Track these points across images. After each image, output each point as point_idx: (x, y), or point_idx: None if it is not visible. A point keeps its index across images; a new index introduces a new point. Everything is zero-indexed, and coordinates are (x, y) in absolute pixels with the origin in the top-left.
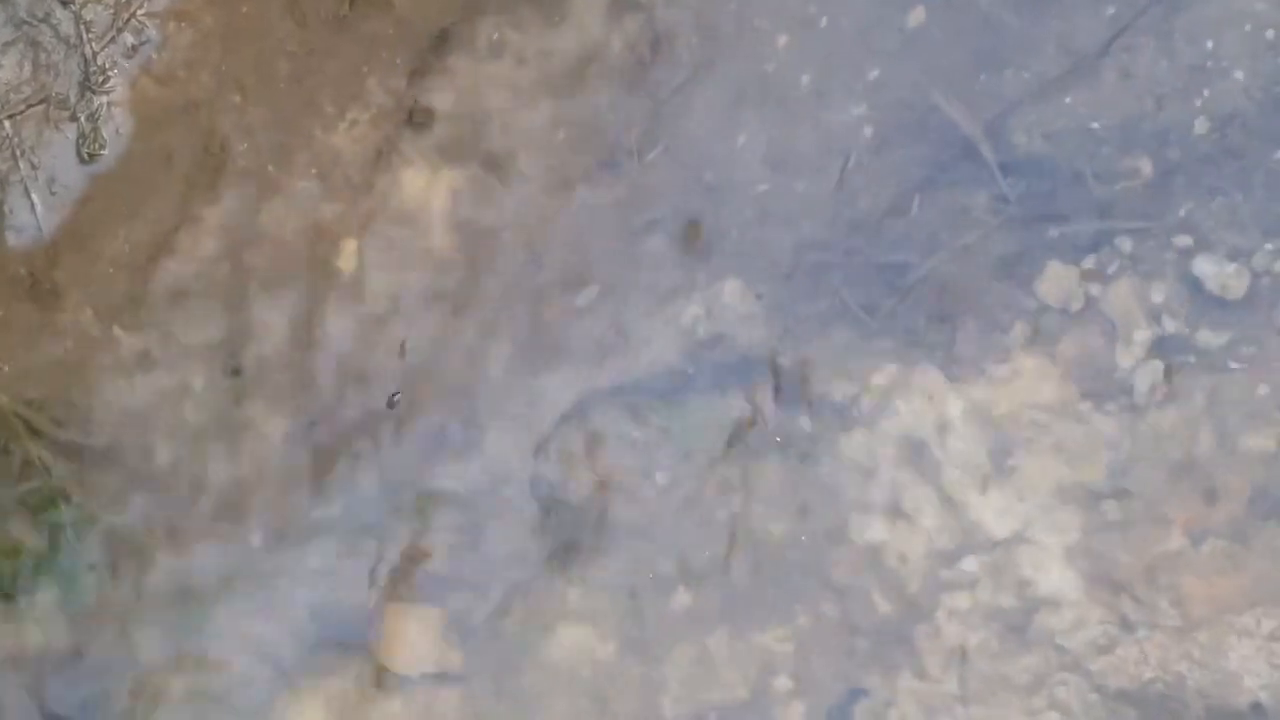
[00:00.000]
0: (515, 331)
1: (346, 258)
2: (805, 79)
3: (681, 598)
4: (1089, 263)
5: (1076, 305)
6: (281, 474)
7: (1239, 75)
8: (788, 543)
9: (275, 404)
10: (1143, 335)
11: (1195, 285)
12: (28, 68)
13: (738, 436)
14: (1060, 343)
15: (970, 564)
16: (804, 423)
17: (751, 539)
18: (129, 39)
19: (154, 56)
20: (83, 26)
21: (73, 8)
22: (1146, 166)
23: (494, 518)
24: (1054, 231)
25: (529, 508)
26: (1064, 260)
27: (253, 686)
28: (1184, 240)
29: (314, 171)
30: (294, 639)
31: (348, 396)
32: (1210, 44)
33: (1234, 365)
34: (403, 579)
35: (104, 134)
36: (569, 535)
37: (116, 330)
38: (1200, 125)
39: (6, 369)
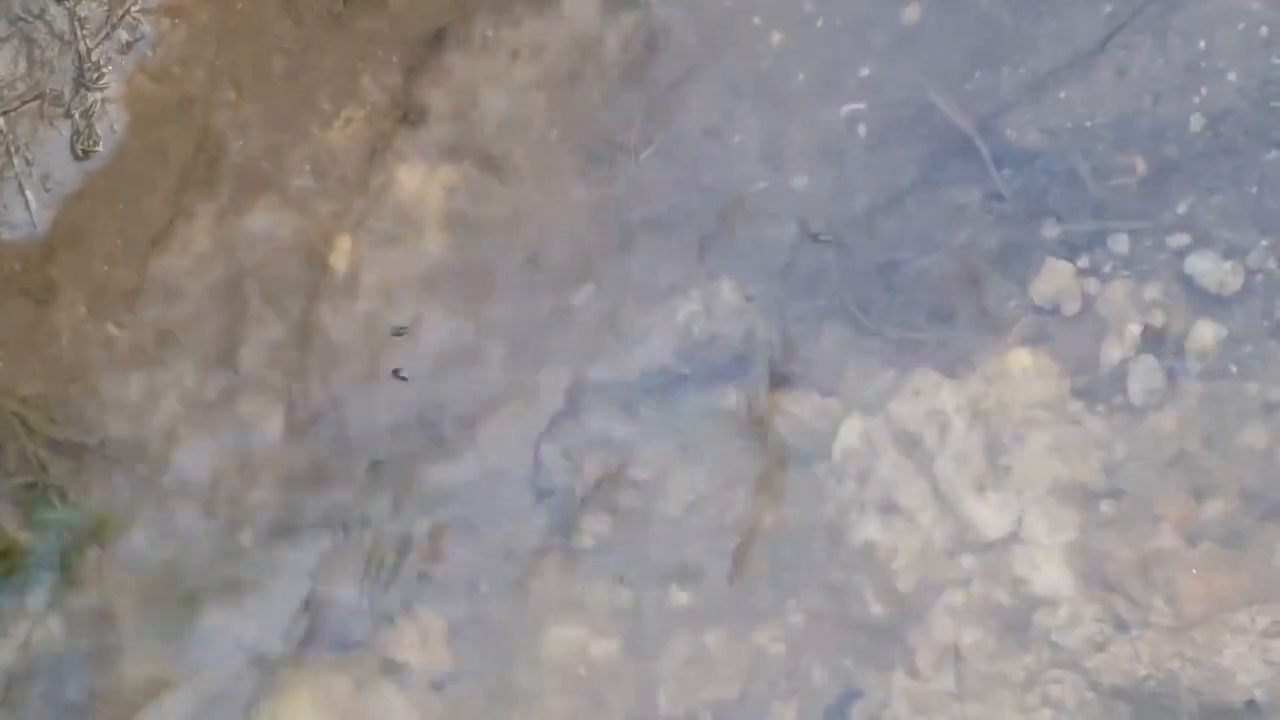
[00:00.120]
0: (511, 329)
1: (341, 255)
2: (801, 76)
3: (677, 596)
4: (1084, 260)
5: (1072, 303)
6: (276, 471)
7: (1233, 74)
8: (782, 541)
9: (270, 400)
10: (1137, 333)
11: (1190, 283)
12: (22, 64)
13: (732, 433)
14: (1055, 340)
15: (965, 562)
16: (798, 419)
17: (747, 537)
18: (123, 35)
19: (149, 53)
20: (77, 23)
21: (67, 4)
22: (1142, 164)
23: (490, 515)
24: (1049, 229)
25: (525, 505)
26: (1059, 258)
27: (245, 684)
28: (1179, 238)
29: (309, 168)
30: (287, 636)
31: (343, 393)
32: (1205, 42)
33: (1228, 363)
34: (399, 576)
35: (98, 130)
36: (565, 532)
37: (111, 327)
38: (1195, 123)
39: (1, 365)
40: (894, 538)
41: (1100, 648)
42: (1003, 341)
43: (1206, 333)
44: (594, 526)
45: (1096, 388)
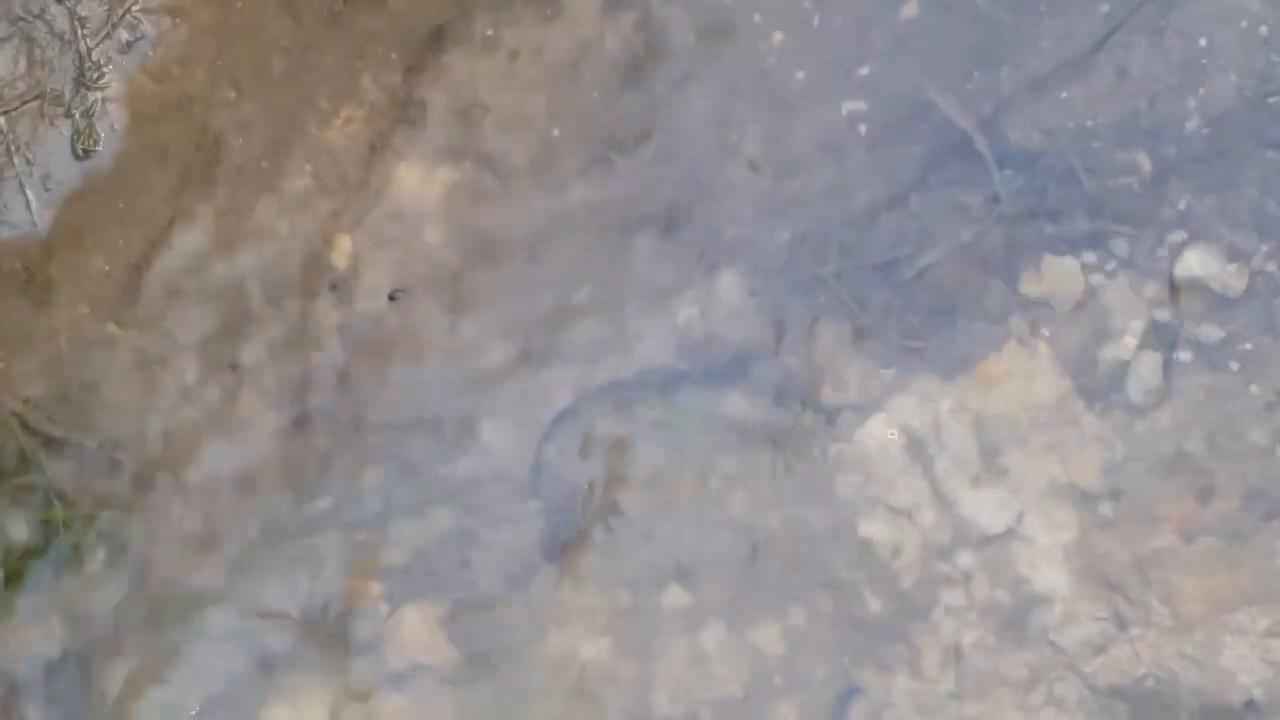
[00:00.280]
0: (510, 328)
1: (340, 254)
2: (800, 75)
3: (677, 595)
4: (1084, 259)
5: (1072, 302)
6: (278, 470)
7: (1232, 73)
8: (782, 540)
9: (271, 400)
10: (1137, 332)
11: (1190, 283)
12: (23, 63)
13: (732, 433)
14: (1055, 339)
15: (965, 561)
16: (798, 419)
17: (746, 536)
18: (124, 35)
19: (149, 52)
20: (78, 22)
21: (68, 4)
22: (1142, 163)
23: (490, 514)
24: (1049, 229)
25: (525, 504)
26: (1059, 257)
27: (248, 685)
28: (1179, 238)
29: (308, 168)
30: (289, 635)
31: (344, 392)
32: (1204, 41)
33: (1229, 363)
34: (400, 576)
35: (99, 130)
36: (565, 532)
37: (111, 326)
38: (1193, 123)
39: (1, 365)
40: (894, 537)
41: (1100, 648)
42: (1003, 340)
43: (1206, 332)
44: (593, 525)
45: (1096, 387)
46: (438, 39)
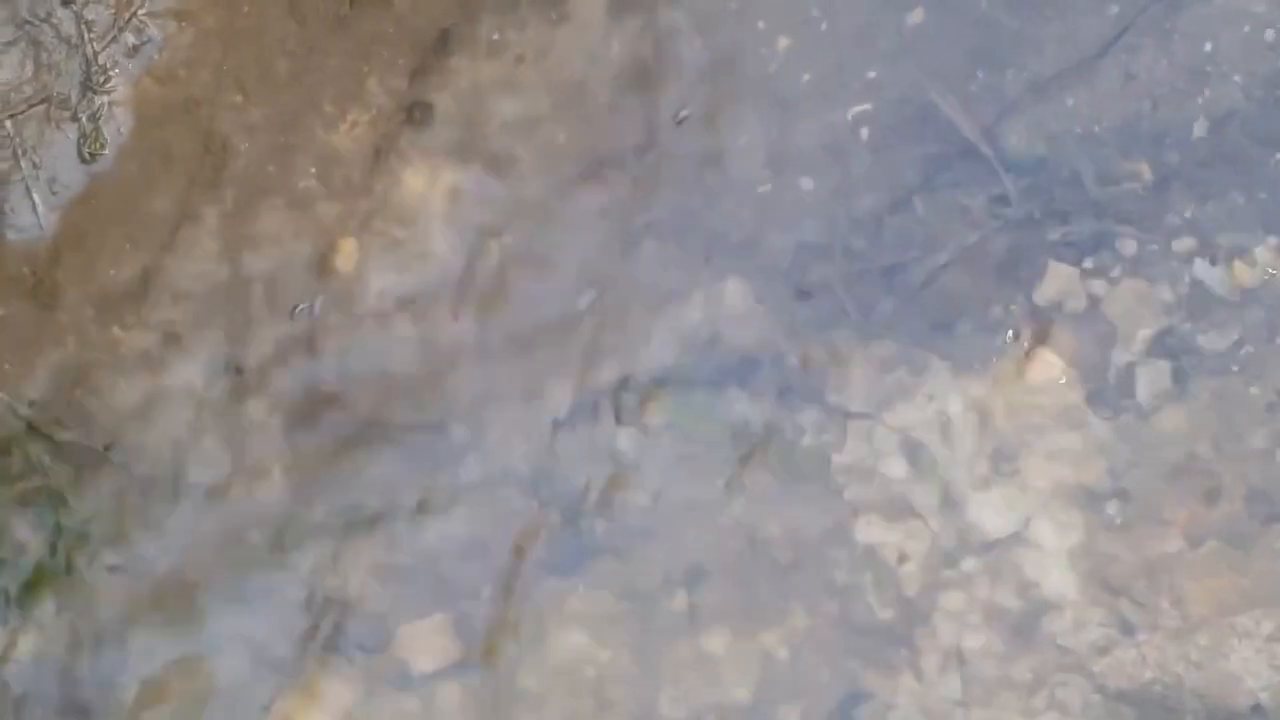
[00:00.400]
0: (515, 332)
1: (346, 257)
2: (806, 79)
3: (681, 598)
4: (1090, 264)
5: (1078, 307)
6: (283, 472)
7: (1238, 77)
8: (788, 543)
9: (276, 403)
10: (1144, 337)
11: (1196, 287)
12: (29, 67)
13: (738, 437)
14: (1062, 343)
15: (971, 565)
16: (804, 423)
17: (752, 539)
18: (130, 39)
19: (155, 56)
20: (84, 26)
21: (74, 7)
22: (1147, 168)
23: (495, 516)
24: (1055, 233)
25: (529, 507)
26: (1066, 261)
27: (254, 686)
28: (1185, 242)
29: (314, 171)
30: (296, 638)
31: (347, 394)
32: (1210, 45)
33: (1235, 367)
34: (406, 577)
35: (105, 133)
36: (569, 535)
37: (117, 329)
38: (1200, 127)
39: (7, 368)
40: (900, 541)
41: (1105, 651)
42: (1009, 344)
43: (1214, 336)
44: (598, 529)
45: (1104, 391)
46: (443, 43)
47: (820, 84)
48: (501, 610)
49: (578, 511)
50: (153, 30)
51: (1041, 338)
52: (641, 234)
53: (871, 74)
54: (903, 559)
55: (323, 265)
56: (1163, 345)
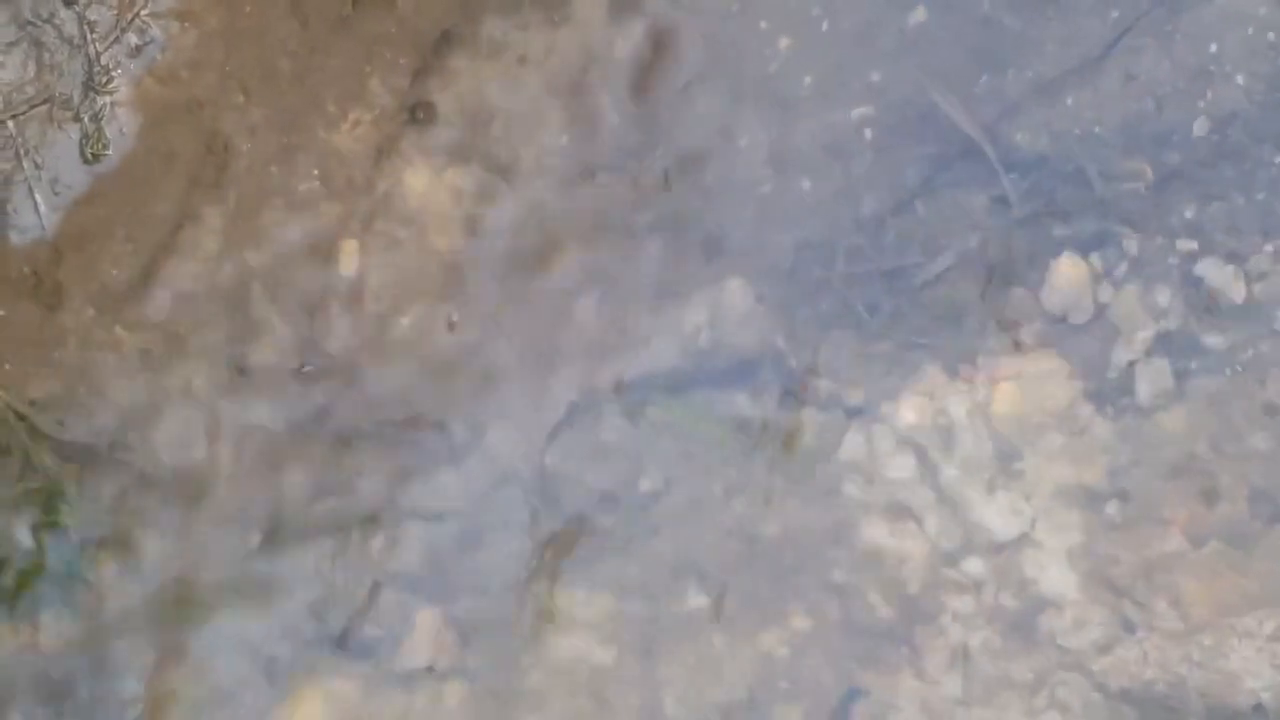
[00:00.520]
0: (517, 332)
1: (348, 258)
2: (807, 80)
3: (682, 600)
4: (1093, 264)
5: (1080, 307)
6: (285, 473)
7: (1240, 78)
8: (789, 543)
9: (277, 403)
10: (1144, 337)
11: (1198, 288)
12: (32, 68)
13: (739, 437)
14: (1063, 344)
15: (972, 565)
16: (806, 423)
17: (753, 539)
18: (133, 39)
19: (157, 57)
20: (86, 27)
21: (76, 8)
22: (1149, 169)
23: (496, 517)
24: (1057, 233)
25: (530, 507)
26: (1068, 262)
27: (253, 687)
28: (1187, 244)
29: (316, 172)
30: (294, 639)
31: (349, 394)
32: (1213, 47)
33: (1236, 367)
34: (407, 579)
35: (107, 134)
36: (570, 535)
37: (119, 330)
38: (1201, 127)
39: (9, 368)
40: (901, 541)
41: (1107, 651)
42: (1011, 345)
43: (1215, 336)
44: (600, 530)
45: (1105, 391)
46: (446, 43)
47: (821, 84)
48: (502, 610)
49: (578, 512)
50: (155, 31)
51: (1042, 337)
52: (641, 234)
53: (873, 74)
54: (903, 559)
55: (325, 266)
56: (1164, 345)
